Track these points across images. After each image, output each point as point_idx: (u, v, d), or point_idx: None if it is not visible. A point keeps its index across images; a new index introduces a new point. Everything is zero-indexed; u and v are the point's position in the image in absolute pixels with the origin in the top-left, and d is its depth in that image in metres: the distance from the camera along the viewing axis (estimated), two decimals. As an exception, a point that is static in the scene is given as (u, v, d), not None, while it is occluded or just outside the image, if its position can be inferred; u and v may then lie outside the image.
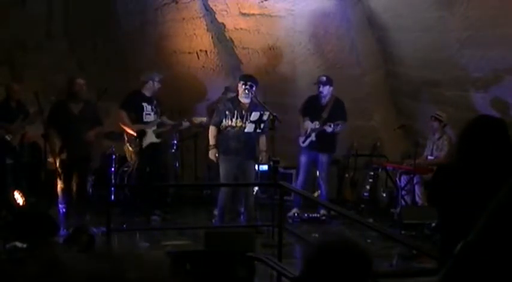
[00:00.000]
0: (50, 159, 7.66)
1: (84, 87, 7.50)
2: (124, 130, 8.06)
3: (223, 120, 7.40)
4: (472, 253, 1.89)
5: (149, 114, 8.09)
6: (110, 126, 8.36)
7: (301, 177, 8.41)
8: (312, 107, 8.31)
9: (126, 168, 8.57)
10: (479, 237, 1.90)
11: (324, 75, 8.25)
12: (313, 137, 8.19)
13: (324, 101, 8.23)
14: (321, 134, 8.13)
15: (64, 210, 7.36)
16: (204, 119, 8.43)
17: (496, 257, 1.85)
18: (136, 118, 8.02)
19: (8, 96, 8.34)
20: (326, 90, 8.18)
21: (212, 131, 7.54)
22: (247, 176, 7.44)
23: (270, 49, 9.12)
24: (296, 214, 8.31)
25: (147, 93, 8.08)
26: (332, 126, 8.00)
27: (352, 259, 1.82)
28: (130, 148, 8.10)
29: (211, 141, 7.52)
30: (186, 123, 8.35)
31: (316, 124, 8.16)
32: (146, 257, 1.03)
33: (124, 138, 8.16)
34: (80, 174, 7.57)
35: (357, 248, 1.86)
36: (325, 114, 8.14)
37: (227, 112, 7.38)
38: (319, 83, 8.18)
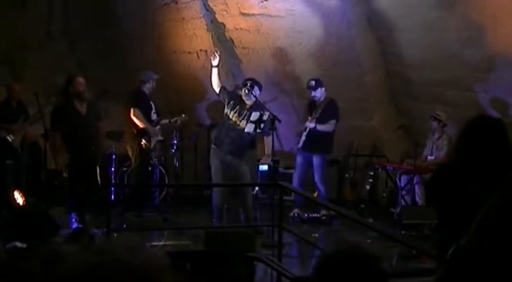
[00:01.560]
0: (58, 166, 7.59)
1: (86, 86, 7.46)
2: (136, 126, 7.97)
3: (225, 107, 7.41)
4: (464, 257, 1.90)
5: (155, 112, 8.17)
6: (110, 126, 8.36)
7: (295, 178, 8.35)
8: (310, 110, 8.36)
9: (125, 168, 8.58)
10: (471, 241, 1.90)
11: (313, 79, 8.20)
12: (303, 136, 8.20)
13: (319, 102, 8.25)
14: (312, 134, 8.12)
15: (76, 217, 7.31)
16: (187, 117, 8.64)
17: (488, 261, 1.85)
18: (146, 117, 8.03)
19: (8, 96, 8.34)
20: (318, 93, 8.17)
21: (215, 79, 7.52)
22: (241, 178, 7.41)
23: (270, 49, 9.12)
24: (296, 214, 8.31)
25: (147, 92, 8.12)
26: (313, 123, 8.03)
27: (363, 271, 1.76)
28: (144, 145, 7.99)
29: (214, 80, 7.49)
30: (177, 122, 8.40)
31: (307, 123, 8.19)
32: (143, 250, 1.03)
33: (134, 136, 8.06)
34: (89, 175, 7.53)
35: (368, 258, 1.79)
36: (316, 114, 8.16)
37: (232, 101, 7.39)
38: (309, 88, 8.18)
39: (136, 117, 7.94)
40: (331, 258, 1.80)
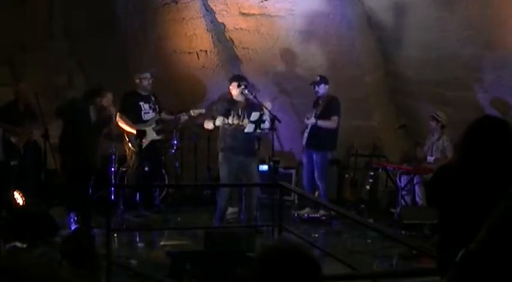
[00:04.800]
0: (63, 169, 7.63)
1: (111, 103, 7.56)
2: (124, 130, 8.08)
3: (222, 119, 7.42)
4: (473, 261, 1.89)
5: (147, 112, 8.15)
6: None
7: (304, 178, 8.47)
8: (314, 107, 8.40)
9: (125, 168, 8.58)
10: (481, 246, 1.90)
11: (319, 75, 8.34)
12: (306, 133, 8.26)
13: (321, 100, 8.30)
14: (314, 131, 8.18)
15: (75, 217, 7.32)
16: (203, 111, 8.49)
17: (497, 266, 1.85)
18: (136, 118, 8.05)
19: (16, 98, 8.35)
20: (322, 89, 8.28)
21: (206, 122, 7.57)
22: (249, 176, 7.43)
23: (270, 49, 9.12)
24: (296, 214, 8.33)
25: (142, 92, 8.15)
26: (313, 119, 8.14)
27: (299, 264, 1.79)
28: (131, 147, 8.09)
29: (208, 125, 7.54)
30: (184, 117, 8.37)
31: (307, 120, 8.23)
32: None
33: (125, 139, 8.17)
34: (90, 175, 7.56)
35: (302, 253, 1.83)
36: (317, 111, 8.20)
37: (225, 111, 7.40)
38: (314, 83, 8.29)
39: (122, 123, 8.02)
40: (270, 253, 1.85)
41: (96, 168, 7.80)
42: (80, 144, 7.28)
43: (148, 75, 8.13)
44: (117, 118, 8.00)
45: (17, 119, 8.22)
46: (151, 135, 8.15)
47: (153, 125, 8.16)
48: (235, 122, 7.35)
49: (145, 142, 7.94)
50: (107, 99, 7.52)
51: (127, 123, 8.00)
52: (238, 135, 7.33)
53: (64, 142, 7.43)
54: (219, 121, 7.40)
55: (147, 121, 8.12)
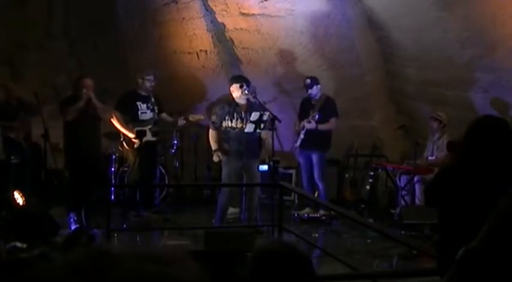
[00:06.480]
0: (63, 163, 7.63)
1: (90, 88, 7.50)
2: (119, 130, 8.03)
3: (223, 122, 7.40)
4: (474, 260, 1.90)
5: (145, 112, 8.08)
6: (110, 126, 8.36)
7: (303, 178, 8.45)
8: (305, 108, 8.38)
9: (125, 169, 8.58)
10: (481, 244, 1.90)
11: (308, 77, 8.28)
12: (302, 134, 8.23)
13: (315, 100, 8.27)
14: (311, 132, 8.16)
15: (75, 217, 7.32)
16: (202, 117, 8.43)
17: (498, 264, 1.85)
18: (132, 117, 8.01)
19: (6, 96, 8.33)
20: (315, 90, 8.23)
21: (213, 135, 7.50)
22: (252, 177, 7.43)
23: (270, 49, 9.12)
24: (296, 214, 8.33)
25: (142, 92, 8.09)
26: (311, 122, 8.06)
27: (292, 263, 1.81)
28: (126, 146, 8.09)
29: (214, 145, 7.49)
30: (182, 121, 8.30)
31: (306, 125, 8.21)
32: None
33: (120, 137, 8.14)
34: (91, 174, 7.54)
35: (296, 252, 1.85)
36: (314, 113, 8.18)
37: (227, 116, 7.38)
38: (306, 87, 8.24)
39: (115, 121, 7.96)
40: (264, 253, 1.87)
41: (99, 162, 7.79)
42: (81, 140, 7.30)
43: (151, 77, 8.09)
44: (112, 116, 7.97)
45: (11, 114, 8.19)
46: (147, 136, 8.11)
47: (150, 126, 8.11)
48: (239, 125, 7.34)
49: (139, 142, 7.91)
50: (87, 84, 7.42)
51: (119, 122, 7.92)
52: (241, 138, 7.33)
53: (66, 142, 7.46)
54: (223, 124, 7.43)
55: (143, 121, 8.05)
